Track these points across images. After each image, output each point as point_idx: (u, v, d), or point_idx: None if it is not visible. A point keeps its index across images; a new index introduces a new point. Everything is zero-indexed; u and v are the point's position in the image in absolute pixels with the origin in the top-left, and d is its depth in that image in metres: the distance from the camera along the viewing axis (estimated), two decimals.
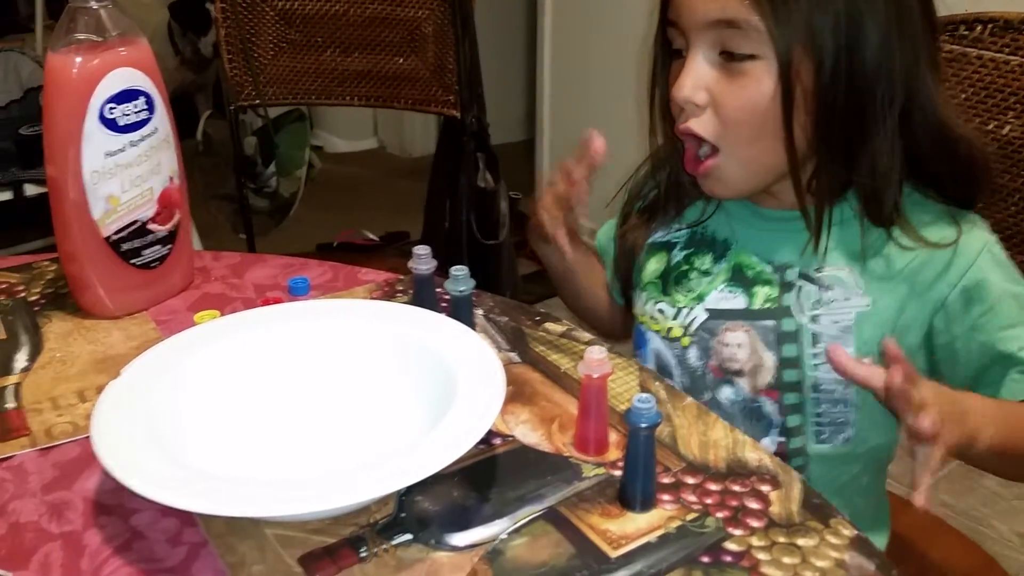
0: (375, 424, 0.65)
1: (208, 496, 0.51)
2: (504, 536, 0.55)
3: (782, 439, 0.77)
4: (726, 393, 0.78)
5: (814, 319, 0.74)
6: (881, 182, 0.70)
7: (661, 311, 0.81)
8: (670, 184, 0.82)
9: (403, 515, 0.57)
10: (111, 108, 0.75)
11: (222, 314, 0.76)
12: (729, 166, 0.72)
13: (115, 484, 0.53)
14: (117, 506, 0.58)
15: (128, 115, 0.77)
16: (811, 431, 0.76)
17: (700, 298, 0.79)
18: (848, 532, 0.56)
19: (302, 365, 0.68)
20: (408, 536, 0.55)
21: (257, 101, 1.74)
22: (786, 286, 0.75)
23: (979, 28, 0.93)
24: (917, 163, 0.72)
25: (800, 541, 0.55)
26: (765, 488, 0.59)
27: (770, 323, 0.75)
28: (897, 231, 0.72)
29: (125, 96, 0.76)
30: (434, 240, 1.97)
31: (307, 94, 1.80)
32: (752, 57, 0.68)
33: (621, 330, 0.94)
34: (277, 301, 0.77)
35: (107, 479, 0.59)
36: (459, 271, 0.73)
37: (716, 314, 0.78)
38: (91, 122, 0.75)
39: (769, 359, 0.76)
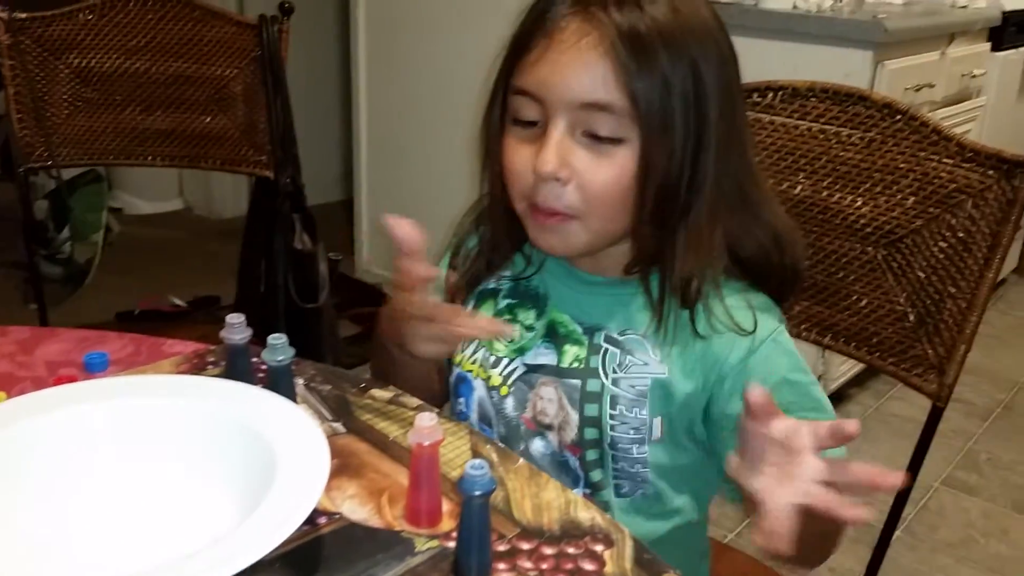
0: (188, 513, 0.60)
1: None
2: None
3: (588, 491, 0.79)
4: (537, 445, 0.80)
5: (615, 382, 0.76)
6: (690, 266, 0.73)
7: (485, 359, 0.82)
8: (494, 239, 0.82)
9: None
10: None
11: (9, 396, 0.68)
12: (578, 233, 0.73)
13: None
14: None
15: None
16: (612, 485, 0.78)
17: (521, 351, 0.80)
18: None
19: (102, 452, 0.62)
20: None
21: (49, 163, 1.63)
22: (594, 347, 0.77)
23: (770, 95, 1.00)
24: (736, 256, 0.76)
25: None
26: (599, 548, 0.59)
27: (576, 382, 0.77)
28: (699, 312, 0.74)
29: None
30: (248, 305, 1.90)
31: (105, 154, 1.71)
32: (618, 141, 0.70)
33: (444, 396, 0.94)
34: (72, 380, 0.70)
35: None
36: (277, 339, 0.69)
37: (532, 368, 0.80)
38: None
39: (573, 416, 0.77)
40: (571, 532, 0.60)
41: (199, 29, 1.62)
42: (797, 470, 0.55)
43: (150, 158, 1.70)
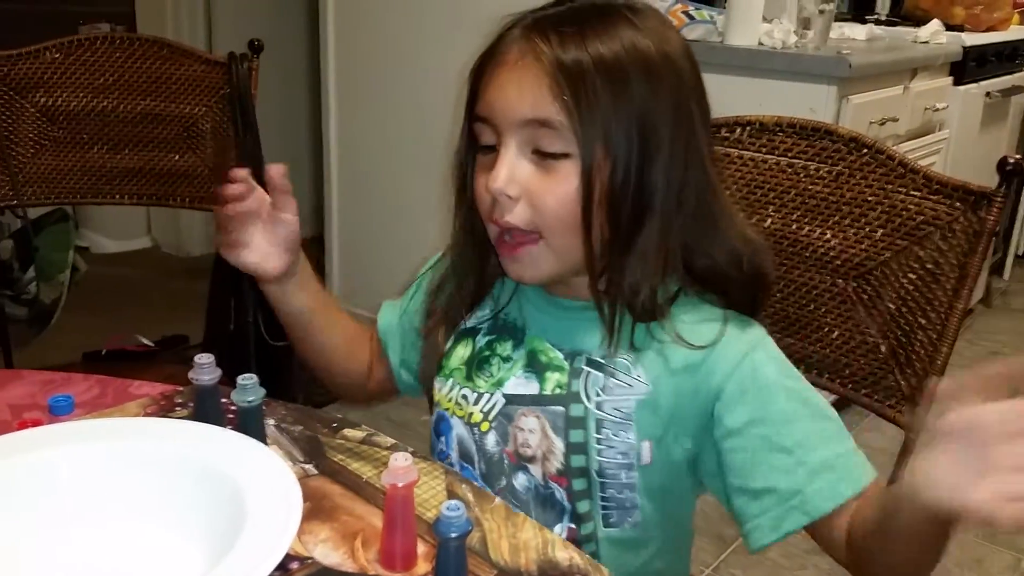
0: (155, 561, 0.58)
1: None
2: None
3: (573, 525, 0.77)
4: (520, 479, 0.79)
5: (599, 405, 0.76)
6: (641, 279, 0.74)
7: (465, 397, 0.81)
8: (470, 274, 0.83)
9: None
10: None
11: None
12: (544, 255, 0.74)
13: None
14: None
15: None
16: (599, 515, 0.77)
17: (500, 384, 0.80)
18: None
19: (65, 498, 0.60)
20: None
21: (14, 202, 1.60)
22: (575, 372, 0.77)
23: (739, 130, 1.01)
24: (698, 271, 0.76)
25: None
26: None
27: (559, 409, 0.77)
28: (656, 327, 0.75)
29: None
30: (217, 343, 1.87)
31: (72, 193, 1.69)
32: (563, 156, 0.71)
33: (365, 395, 0.96)
34: (36, 423, 0.69)
35: None
36: (247, 380, 0.68)
37: (512, 399, 0.79)
38: None
39: (558, 444, 0.77)
40: (549, 572, 0.59)
41: (168, 67, 1.62)
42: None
43: (118, 196, 1.68)
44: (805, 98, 1.88)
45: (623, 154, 0.71)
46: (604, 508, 0.77)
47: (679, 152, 0.73)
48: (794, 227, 0.99)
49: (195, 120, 1.66)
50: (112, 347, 2.06)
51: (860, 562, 0.70)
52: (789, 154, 0.99)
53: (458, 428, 0.82)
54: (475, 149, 0.77)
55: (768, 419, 0.72)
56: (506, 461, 0.79)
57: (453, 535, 0.53)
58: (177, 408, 0.77)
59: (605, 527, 0.77)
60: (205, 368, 0.69)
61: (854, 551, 0.69)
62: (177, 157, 1.69)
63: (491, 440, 0.80)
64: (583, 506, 0.77)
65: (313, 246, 2.99)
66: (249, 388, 0.68)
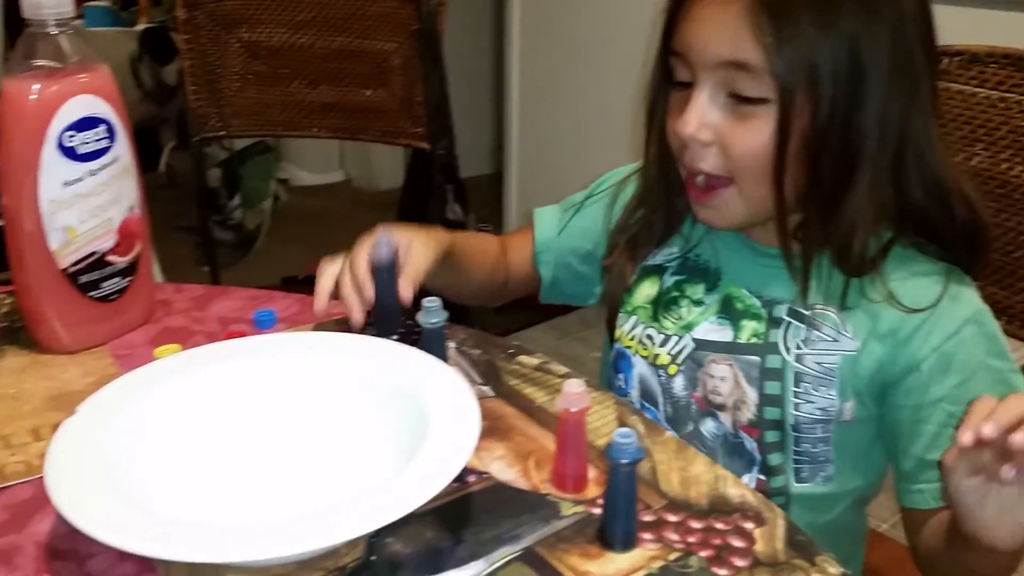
0: (345, 463, 0.63)
1: (169, 541, 0.48)
2: None
3: (762, 477, 0.76)
4: (709, 426, 0.77)
5: (799, 358, 0.73)
6: (851, 233, 0.69)
7: (650, 337, 0.80)
8: (659, 210, 0.81)
9: (373, 558, 0.55)
10: (70, 136, 0.73)
11: (184, 348, 0.73)
12: (734, 200, 0.71)
13: (69, 528, 0.50)
14: (71, 551, 0.55)
15: (88, 143, 0.74)
16: (791, 470, 0.75)
17: (689, 327, 0.78)
18: (834, 570, 0.54)
19: (268, 402, 0.65)
20: None
21: (222, 133, 1.72)
22: (774, 322, 0.74)
23: (946, 61, 0.94)
24: (912, 217, 0.71)
25: None
26: (749, 526, 0.57)
27: (754, 358, 0.74)
28: (868, 283, 0.71)
29: (85, 124, 0.74)
30: None
31: (273, 126, 1.78)
32: (761, 101, 0.67)
33: (495, 302, 0.97)
34: (242, 335, 0.75)
35: (61, 522, 0.56)
36: (431, 302, 0.71)
37: (702, 345, 0.77)
38: (49, 150, 0.72)
39: (751, 395, 0.74)
40: (720, 508, 0.59)
41: (361, 4, 1.66)
42: None
43: (314, 130, 1.76)
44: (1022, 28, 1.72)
45: (828, 98, 0.66)
46: (796, 462, 0.74)
47: (897, 94, 0.67)
48: (1003, 167, 0.91)
49: (386, 56, 1.71)
50: (308, 273, 2.20)
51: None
52: (1002, 87, 0.91)
53: (640, 367, 0.81)
54: (668, 83, 0.74)
55: (963, 399, 0.68)
56: (694, 406, 0.77)
57: (624, 461, 0.53)
58: (367, 327, 0.81)
59: (797, 482, 0.75)
60: (432, 311, 0.72)
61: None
62: (369, 92, 1.74)
63: (679, 383, 0.78)
64: (774, 459, 0.75)
65: (491, 183, 3.04)
66: (433, 311, 0.71)
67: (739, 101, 0.68)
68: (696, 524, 0.57)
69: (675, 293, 0.80)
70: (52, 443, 0.56)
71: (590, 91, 2.42)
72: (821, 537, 0.66)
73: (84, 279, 0.77)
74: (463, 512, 0.59)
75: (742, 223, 0.74)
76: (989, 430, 0.54)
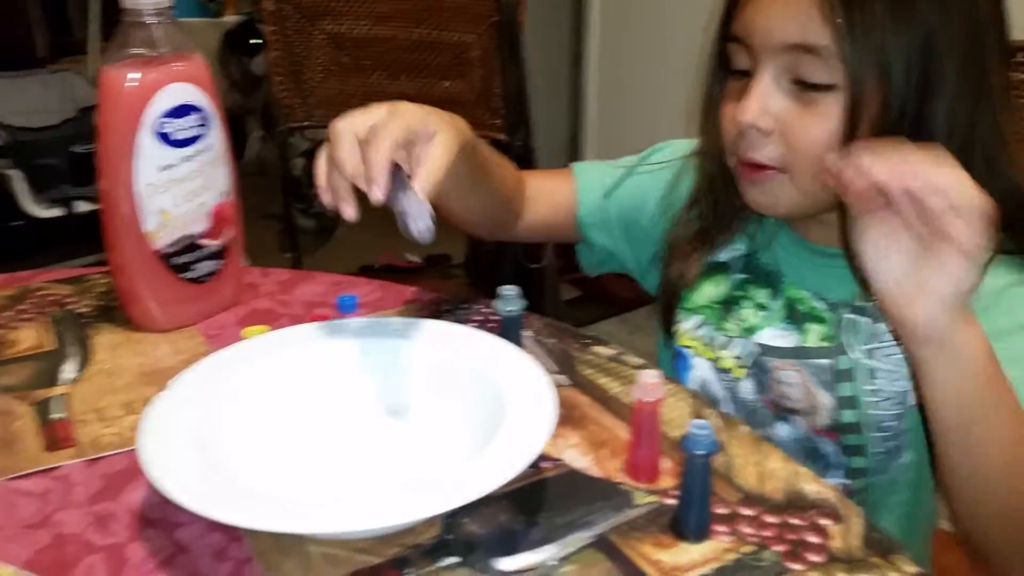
0: (422, 444, 0.64)
1: (256, 511, 0.50)
2: (553, 563, 0.54)
3: (848, 481, 0.74)
4: (782, 430, 0.76)
5: (869, 354, 0.71)
6: None
7: (713, 339, 0.79)
8: (721, 205, 0.78)
9: (449, 537, 0.56)
10: (165, 123, 0.76)
11: (270, 330, 0.75)
12: (786, 190, 0.69)
13: (160, 497, 0.53)
14: (161, 519, 0.58)
15: (182, 130, 0.77)
16: (873, 468, 0.74)
17: (751, 331, 0.76)
18: (911, 569, 0.53)
19: (351, 383, 0.67)
20: (454, 559, 0.54)
21: (306, 123, 1.75)
22: (840, 322, 0.73)
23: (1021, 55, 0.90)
24: None
25: None
26: (825, 522, 0.57)
27: (825, 362, 0.73)
28: None
29: (180, 111, 0.77)
30: (477, 263, 1.97)
31: None
32: (827, 87, 0.65)
33: (506, 238, 0.89)
34: (325, 318, 0.77)
35: (152, 492, 0.58)
36: (509, 291, 0.72)
37: (768, 350, 0.75)
38: (145, 136, 0.75)
39: (825, 399, 0.73)
40: (796, 503, 0.59)
41: None
42: None
43: None
44: None
45: (900, 87, 0.63)
46: (875, 456, 0.73)
47: (968, 86, 0.64)
48: None
49: (465, 48, 1.72)
50: (385, 262, 2.23)
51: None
52: None
53: (702, 370, 0.79)
54: (725, 72, 0.71)
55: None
56: (765, 410, 0.76)
57: (700, 452, 0.53)
58: (445, 313, 0.83)
59: (874, 476, 0.74)
60: (510, 299, 0.72)
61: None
62: (447, 84, 1.76)
63: (747, 387, 0.77)
64: (857, 462, 0.73)
65: None
66: (510, 299, 0.72)
67: (804, 88, 0.65)
68: (771, 519, 0.57)
69: (739, 293, 0.78)
70: (145, 416, 0.58)
71: (668, 87, 2.40)
72: (896, 524, 0.65)
73: (177, 261, 0.80)
74: (537, 497, 0.60)
75: (790, 213, 0.72)
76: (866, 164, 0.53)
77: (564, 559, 0.54)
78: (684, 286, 0.81)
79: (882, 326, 0.71)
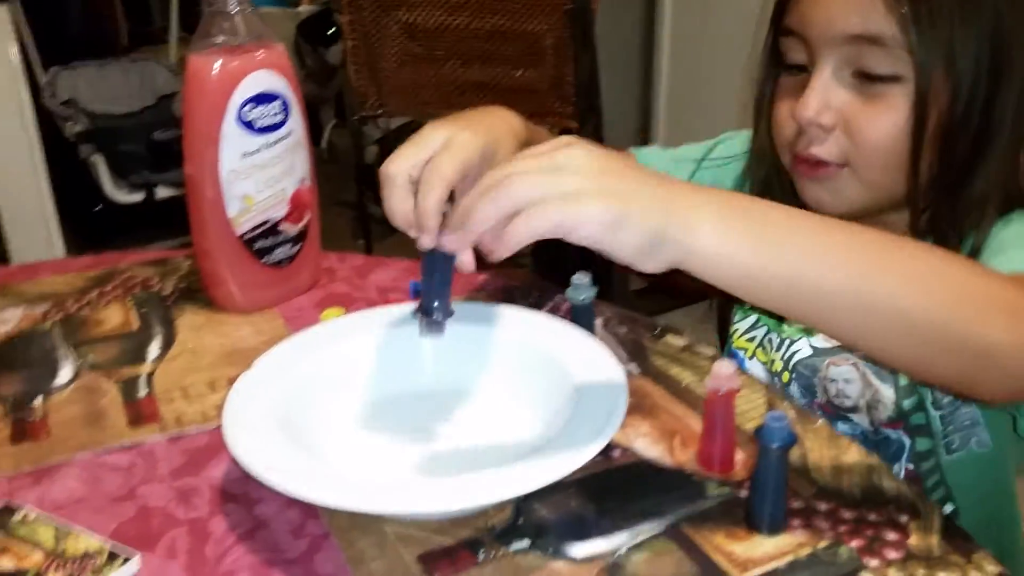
0: (493, 429, 0.65)
1: (335, 490, 0.51)
2: (624, 551, 0.54)
3: (910, 466, 0.73)
4: (842, 429, 0.74)
5: None
6: (972, 225, 0.65)
7: (770, 340, 0.77)
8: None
9: (520, 521, 0.56)
10: (249, 110, 0.78)
11: (347, 312, 0.77)
12: (851, 185, 0.67)
13: (241, 473, 0.54)
14: (242, 495, 0.59)
15: (265, 117, 0.79)
16: (941, 447, 0.72)
17: (809, 332, 0.75)
18: (993, 568, 0.52)
19: (421, 367, 0.68)
20: (526, 543, 0.55)
21: (380, 112, 1.78)
22: None
23: None
24: None
25: None
26: (903, 518, 0.56)
27: None
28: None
29: (262, 99, 0.78)
30: (545, 251, 1.97)
31: (427, 105, 1.83)
32: (892, 79, 0.63)
33: None
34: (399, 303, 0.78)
35: (234, 468, 0.60)
36: (581, 279, 0.72)
37: (820, 351, 0.74)
38: (229, 123, 0.77)
39: (886, 392, 0.71)
40: (873, 499, 0.58)
41: None
42: None
43: (466, 109, 1.80)
44: None
45: (968, 78, 0.61)
46: (946, 436, 0.71)
47: None
48: None
49: (538, 37, 1.72)
50: None
51: None
52: None
53: (757, 371, 0.78)
54: (778, 68, 0.69)
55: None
56: (819, 412, 0.75)
57: (776, 444, 0.53)
58: (516, 300, 0.83)
59: (948, 455, 0.72)
60: (581, 288, 0.72)
61: None
62: (520, 72, 1.77)
63: (794, 391, 0.75)
64: (923, 443, 0.72)
65: None
66: (582, 287, 0.72)
67: (867, 80, 0.63)
68: (847, 514, 0.56)
69: None
70: (229, 394, 0.60)
71: (740, 77, 2.36)
72: (982, 510, 0.63)
73: (259, 245, 0.82)
74: (607, 485, 0.60)
75: (856, 208, 0.69)
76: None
77: (635, 547, 0.54)
78: None
79: None
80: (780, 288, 0.49)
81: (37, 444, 0.65)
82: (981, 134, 0.63)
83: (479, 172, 0.58)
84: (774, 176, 0.75)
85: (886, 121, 0.63)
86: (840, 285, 0.49)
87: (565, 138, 0.50)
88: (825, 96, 0.65)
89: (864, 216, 0.71)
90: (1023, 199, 0.66)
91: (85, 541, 0.54)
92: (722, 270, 0.48)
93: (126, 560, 0.53)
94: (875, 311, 0.49)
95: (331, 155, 3.14)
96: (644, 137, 2.79)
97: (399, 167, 0.60)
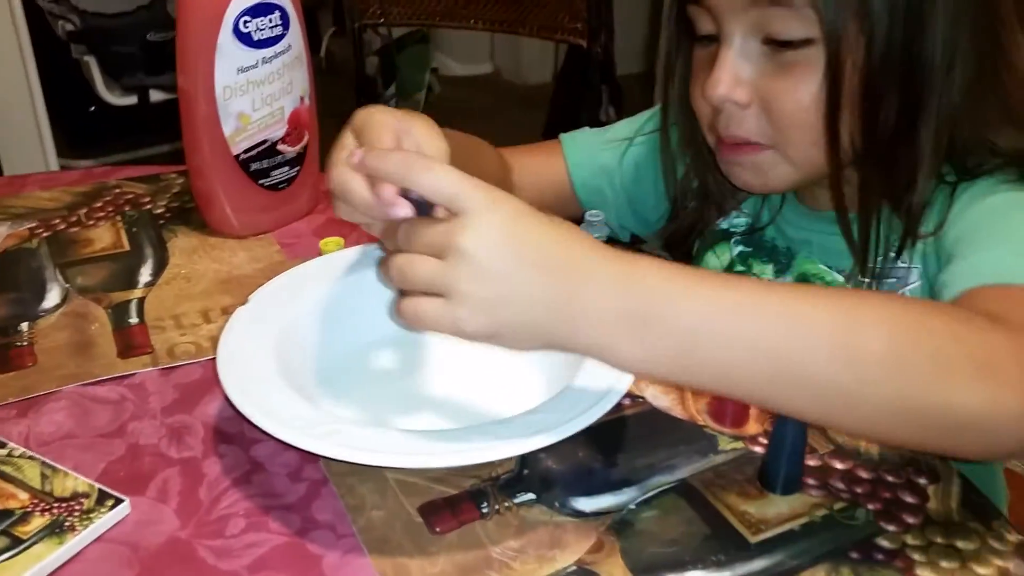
0: (503, 376, 0.62)
1: (333, 439, 0.49)
2: (633, 507, 0.52)
3: None
4: None
5: None
6: (911, 185, 0.59)
7: None
8: (708, 195, 0.72)
9: (525, 472, 0.54)
10: (246, 21, 0.73)
11: (346, 242, 0.73)
12: (777, 165, 0.62)
13: (236, 412, 0.52)
14: (238, 435, 0.57)
15: (262, 30, 0.74)
16: None
17: None
18: (1013, 538, 0.50)
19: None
20: (531, 496, 0.53)
21: (381, 20, 1.71)
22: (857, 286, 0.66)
23: None
24: (969, 165, 0.60)
25: (960, 543, 0.50)
26: (922, 481, 0.54)
27: None
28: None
29: (260, 10, 0.73)
30: None
31: (431, 15, 1.77)
32: (805, 43, 0.57)
33: None
34: None
35: (228, 406, 0.58)
36: (595, 216, 0.69)
37: None
38: (225, 35, 0.72)
39: None
40: (891, 460, 0.56)
41: None
42: None
43: (472, 21, 1.73)
44: None
45: (883, 25, 0.55)
46: None
47: (967, 8, 0.56)
48: None
49: None
50: None
51: None
52: None
53: None
54: (689, 39, 0.64)
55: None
56: None
57: None
58: None
59: None
60: (596, 225, 0.69)
61: None
62: None
63: None
64: None
65: (640, 82, 2.94)
66: (596, 224, 0.69)
67: (777, 48, 0.58)
68: (865, 474, 0.54)
69: (740, 267, 0.72)
70: (223, 333, 0.57)
71: None
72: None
73: (255, 167, 0.78)
74: (617, 435, 0.58)
75: (786, 187, 0.65)
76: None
77: (644, 503, 0.52)
78: (689, 258, 0.76)
79: (887, 282, 0.65)
80: (718, 389, 0.48)
81: (23, 373, 0.63)
82: (908, 88, 0.57)
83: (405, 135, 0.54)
84: (700, 159, 0.70)
85: (803, 91, 0.58)
86: (782, 386, 0.45)
87: (475, 216, 0.45)
88: (735, 71, 0.59)
89: (799, 189, 0.67)
90: (982, 154, 0.60)
91: (73, 481, 0.52)
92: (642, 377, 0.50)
93: (116, 503, 0.50)
94: (841, 403, 0.46)
95: (329, 65, 3.05)
96: (650, 56, 2.71)
97: (339, 179, 0.54)
